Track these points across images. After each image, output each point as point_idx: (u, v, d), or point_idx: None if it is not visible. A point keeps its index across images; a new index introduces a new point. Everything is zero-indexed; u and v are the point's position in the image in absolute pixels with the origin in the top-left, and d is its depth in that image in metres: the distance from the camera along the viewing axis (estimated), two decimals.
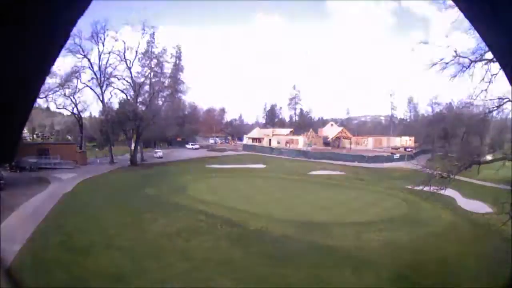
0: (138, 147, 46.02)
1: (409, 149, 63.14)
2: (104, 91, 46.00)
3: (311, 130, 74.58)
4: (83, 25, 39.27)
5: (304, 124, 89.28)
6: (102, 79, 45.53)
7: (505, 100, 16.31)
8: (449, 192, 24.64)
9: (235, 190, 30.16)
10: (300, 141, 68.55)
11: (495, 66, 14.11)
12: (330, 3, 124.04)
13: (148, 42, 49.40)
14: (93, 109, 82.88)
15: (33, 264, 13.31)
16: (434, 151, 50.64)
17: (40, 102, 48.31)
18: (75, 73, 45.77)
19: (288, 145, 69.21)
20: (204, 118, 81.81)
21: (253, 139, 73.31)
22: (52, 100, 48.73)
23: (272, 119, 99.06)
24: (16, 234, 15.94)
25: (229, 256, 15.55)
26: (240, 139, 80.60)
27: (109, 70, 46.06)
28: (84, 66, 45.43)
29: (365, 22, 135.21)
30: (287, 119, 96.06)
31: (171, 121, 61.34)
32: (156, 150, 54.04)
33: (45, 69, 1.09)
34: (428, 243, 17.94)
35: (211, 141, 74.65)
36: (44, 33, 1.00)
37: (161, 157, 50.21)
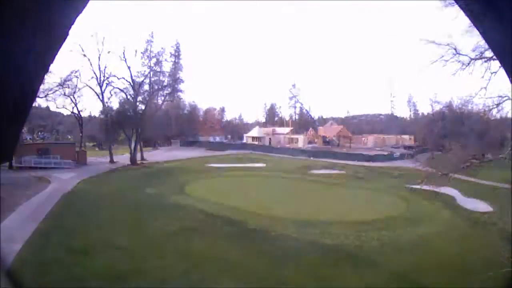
0: (138, 147, 46.04)
1: (409, 148, 63.20)
2: (104, 90, 46.03)
3: (310, 129, 74.58)
4: (82, 25, 39.35)
5: (304, 123, 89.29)
6: (102, 78, 45.55)
7: (504, 98, 16.29)
8: (449, 191, 24.70)
9: (235, 189, 30.19)
10: (300, 140, 68.58)
11: (495, 64, 14.09)
12: (330, 2, 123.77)
13: (147, 41, 49.46)
14: (93, 109, 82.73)
15: (33, 264, 13.31)
16: (434, 149, 50.67)
17: (40, 101, 48.36)
18: (75, 72, 45.82)
19: (288, 144, 69.23)
20: (204, 117, 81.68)
21: (253, 138, 73.25)
22: (52, 100, 48.75)
23: (272, 118, 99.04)
24: (16, 234, 15.95)
25: (229, 256, 15.56)
26: (241, 138, 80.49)
27: (108, 69, 46.10)
28: (84, 66, 45.48)
29: (365, 20, 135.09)
30: (287, 118, 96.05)
31: (171, 121, 61.41)
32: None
33: (44, 68, 1.09)
34: (427, 242, 17.98)
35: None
36: (44, 32, 1.00)
37: None
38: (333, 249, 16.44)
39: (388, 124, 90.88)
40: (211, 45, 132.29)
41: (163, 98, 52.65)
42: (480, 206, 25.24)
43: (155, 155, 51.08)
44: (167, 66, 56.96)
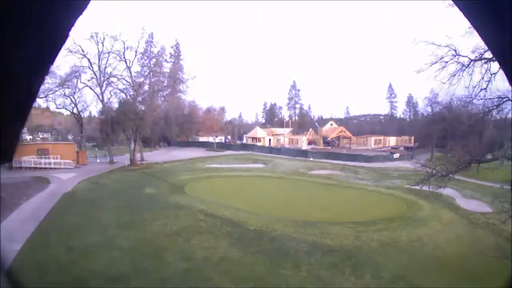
0: (138, 147, 46.05)
1: (409, 148, 63.24)
2: (104, 90, 46.08)
3: (310, 129, 74.64)
4: (82, 25, 39.43)
5: (304, 123, 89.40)
6: (102, 79, 45.58)
7: (504, 99, 16.30)
8: (449, 191, 24.70)
9: (234, 189, 30.17)
10: (300, 141, 68.60)
11: (495, 65, 14.11)
12: (330, 2, 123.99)
13: (147, 42, 49.53)
14: (93, 109, 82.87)
15: (33, 264, 13.31)
16: (433, 150, 50.76)
17: (40, 102, 48.49)
18: (75, 73, 45.90)
19: (288, 144, 69.25)
20: (204, 117, 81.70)
21: (253, 138, 73.26)
22: (52, 100, 48.86)
23: (271, 118, 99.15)
24: (16, 234, 15.96)
25: (229, 256, 15.56)
26: (241, 138, 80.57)
27: (108, 70, 46.15)
28: (83, 66, 45.55)
29: (365, 20, 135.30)
30: (287, 119, 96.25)
31: (171, 121, 61.44)
32: None
33: (45, 69, 1.09)
34: (427, 242, 17.98)
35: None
36: (44, 33, 1.00)
37: None
38: (333, 249, 16.43)
39: (388, 124, 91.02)
40: (211, 45, 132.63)
41: (163, 98, 52.70)
42: (480, 206, 25.28)
43: (155, 156, 51.12)
44: (167, 67, 57.12)
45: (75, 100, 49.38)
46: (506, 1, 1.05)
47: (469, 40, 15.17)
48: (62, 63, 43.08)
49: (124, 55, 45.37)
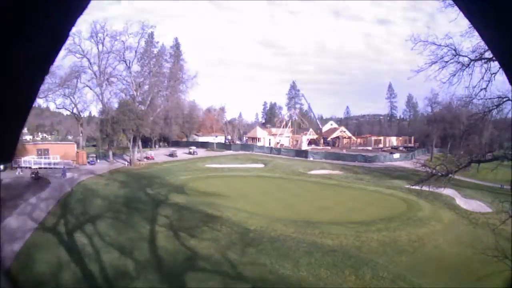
0: (137, 147, 46.00)
1: (409, 148, 63.30)
2: (104, 91, 46.05)
3: (310, 129, 74.65)
4: (82, 25, 39.48)
5: (304, 123, 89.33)
6: (102, 78, 45.55)
7: (504, 99, 16.26)
8: (449, 191, 24.71)
9: (234, 189, 30.15)
10: (300, 141, 68.61)
11: (495, 65, 14.08)
12: (331, 2, 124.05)
13: (147, 42, 49.53)
14: (93, 109, 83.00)
15: (32, 263, 13.32)
16: (433, 150, 50.79)
17: (40, 102, 48.50)
18: (75, 73, 45.91)
19: (288, 144, 69.28)
20: (204, 117, 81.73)
21: (253, 138, 73.28)
22: (52, 100, 48.87)
23: (271, 118, 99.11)
24: (16, 234, 15.97)
25: (229, 256, 15.56)
26: (241, 138, 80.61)
27: (108, 70, 46.11)
28: (83, 66, 45.57)
29: (366, 21, 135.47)
30: (287, 119, 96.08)
31: (171, 121, 61.38)
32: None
33: (44, 69, 1.09)
34: (427, 242, 17.99)
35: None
36: (44, 33, 1.00)
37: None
38: (333, 249, 16.43)
39: (388, 124, 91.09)
40: (211, 45, 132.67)
41: (163, 98, 52.66)
42: (480, 206, 25.28)
43: (155, 156, 51.04)
44: (167, 67, 56.99)
45: (75, 100, 49.45)
46: (506, 1, 1.04)
47: (469, 40, 15.11)
48: (62, 63, 43.14)
49: (124, 55, 45.38)
